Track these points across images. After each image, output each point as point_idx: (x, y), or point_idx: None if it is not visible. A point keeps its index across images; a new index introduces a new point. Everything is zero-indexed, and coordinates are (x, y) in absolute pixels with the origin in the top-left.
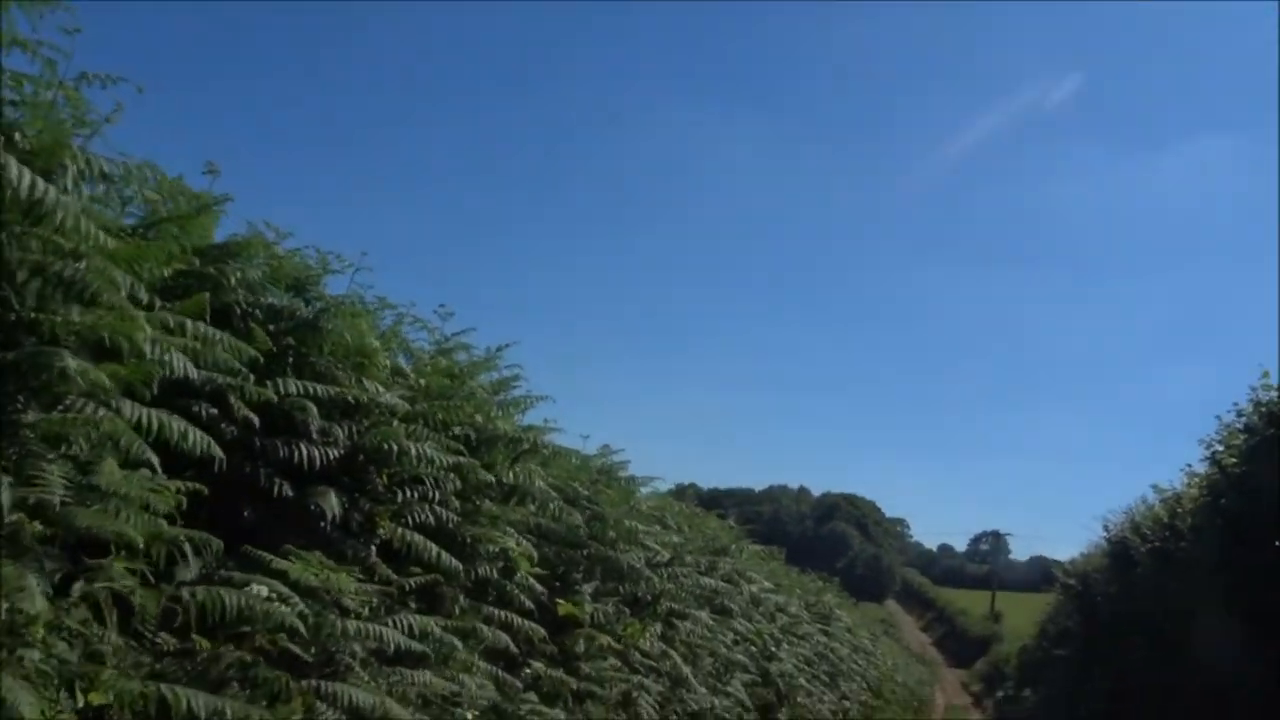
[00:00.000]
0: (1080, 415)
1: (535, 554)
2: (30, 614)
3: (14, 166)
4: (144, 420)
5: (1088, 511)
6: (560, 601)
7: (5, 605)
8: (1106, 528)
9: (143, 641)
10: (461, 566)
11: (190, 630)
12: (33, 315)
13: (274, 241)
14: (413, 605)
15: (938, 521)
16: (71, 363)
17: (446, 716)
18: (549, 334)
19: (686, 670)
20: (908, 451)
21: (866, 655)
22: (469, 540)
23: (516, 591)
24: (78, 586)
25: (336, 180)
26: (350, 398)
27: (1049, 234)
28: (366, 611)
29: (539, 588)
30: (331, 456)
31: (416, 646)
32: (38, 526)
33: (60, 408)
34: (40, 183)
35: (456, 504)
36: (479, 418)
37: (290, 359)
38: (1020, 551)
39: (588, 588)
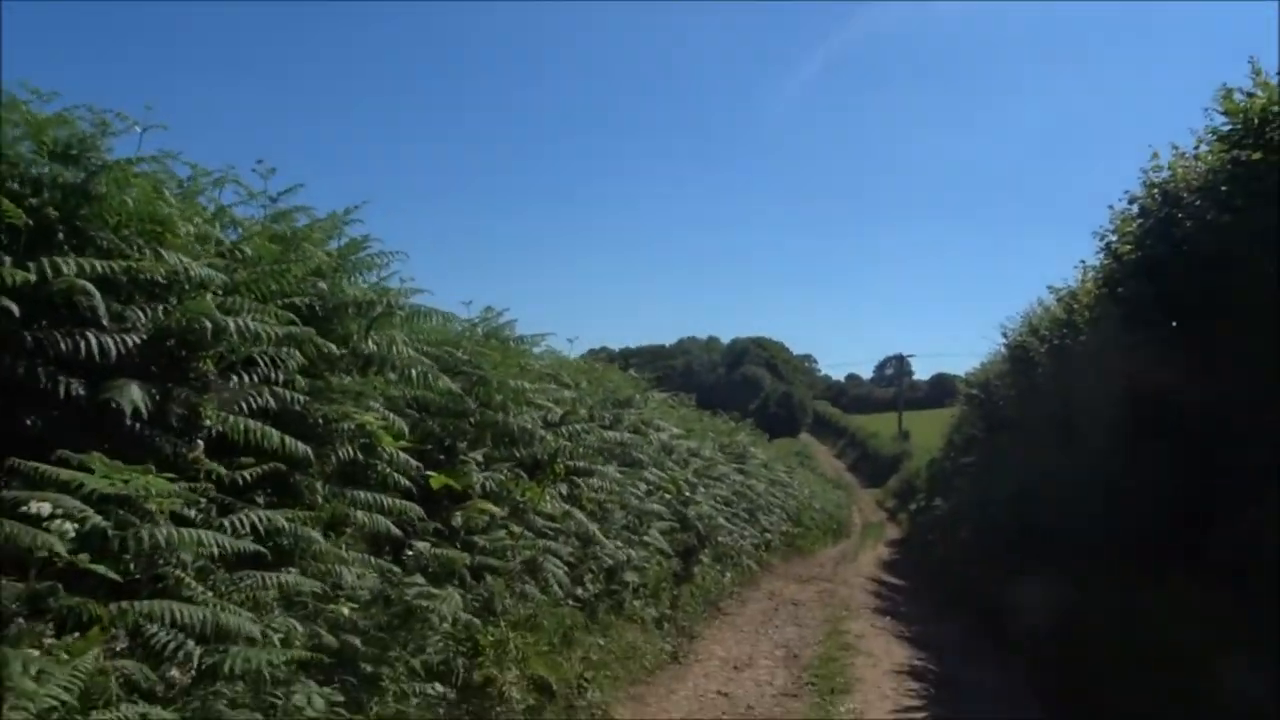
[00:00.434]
0: (972, 232)
1: (404, 427)
2: None
3: None
4: None
5: (988, 323)
6: (432, 475)
7: None
8: (1005, 334)
9: None
10: (312, 451)
11: None
12: None
13: (26, 101)
14: (260, 500)
15: (843, 353)
16: None
17: (321, 614)
18: (447, 210)
19: (593, 528)
20: (809, 288)
21: (784, 488)
22: (321, 420)
23: (390, 470)
24: None
25: None
26: (148, 274)
27: (930, 56)
28: (195, 514)
29: (414, 463)
30: (130, 344)
31: (249, 547)
32: None
33: None
34: None
35: (303, 382)
36: (322, 284)
37: (60, 234)
38: (924, 371)
39: (475, 456)
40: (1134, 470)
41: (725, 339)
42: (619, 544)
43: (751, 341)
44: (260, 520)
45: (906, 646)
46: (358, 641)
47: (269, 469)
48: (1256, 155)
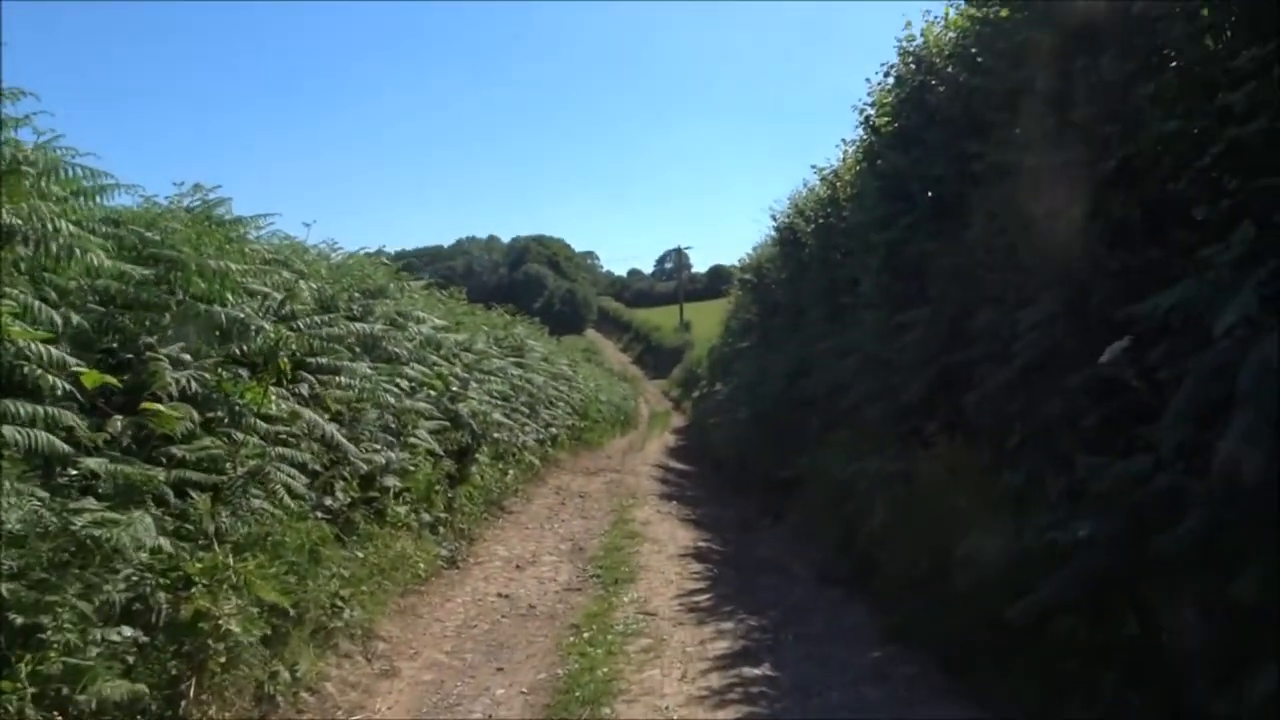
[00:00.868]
0: (743, 124)
1: (54, 318)
2: None
3: None
4: None
5: (761, 212)
6: (84, 372)
7: None
8: (774, 217)
9: None
10: None
11: None
12: None
13: None
14: None
15: (624, 248)
16: None
17: None
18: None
19: (331, 429)
20: (588, 186)
21: (567, 381)
22: None
23: (42, 373)
24: None
25: None
26: None
27: None
28: None
29: (70, 361)
30: None
31: None
32: None
33: None
34: None
35: None
36: None
37: None
38: (702, 264)
39: (168, 352)
40: (897, 340)
41: (506, 238)
42: (376, 447)
43: (533, 240)
44: None
45: (691, 529)
46: (2, 589)
47: None
48: (1004, 12)
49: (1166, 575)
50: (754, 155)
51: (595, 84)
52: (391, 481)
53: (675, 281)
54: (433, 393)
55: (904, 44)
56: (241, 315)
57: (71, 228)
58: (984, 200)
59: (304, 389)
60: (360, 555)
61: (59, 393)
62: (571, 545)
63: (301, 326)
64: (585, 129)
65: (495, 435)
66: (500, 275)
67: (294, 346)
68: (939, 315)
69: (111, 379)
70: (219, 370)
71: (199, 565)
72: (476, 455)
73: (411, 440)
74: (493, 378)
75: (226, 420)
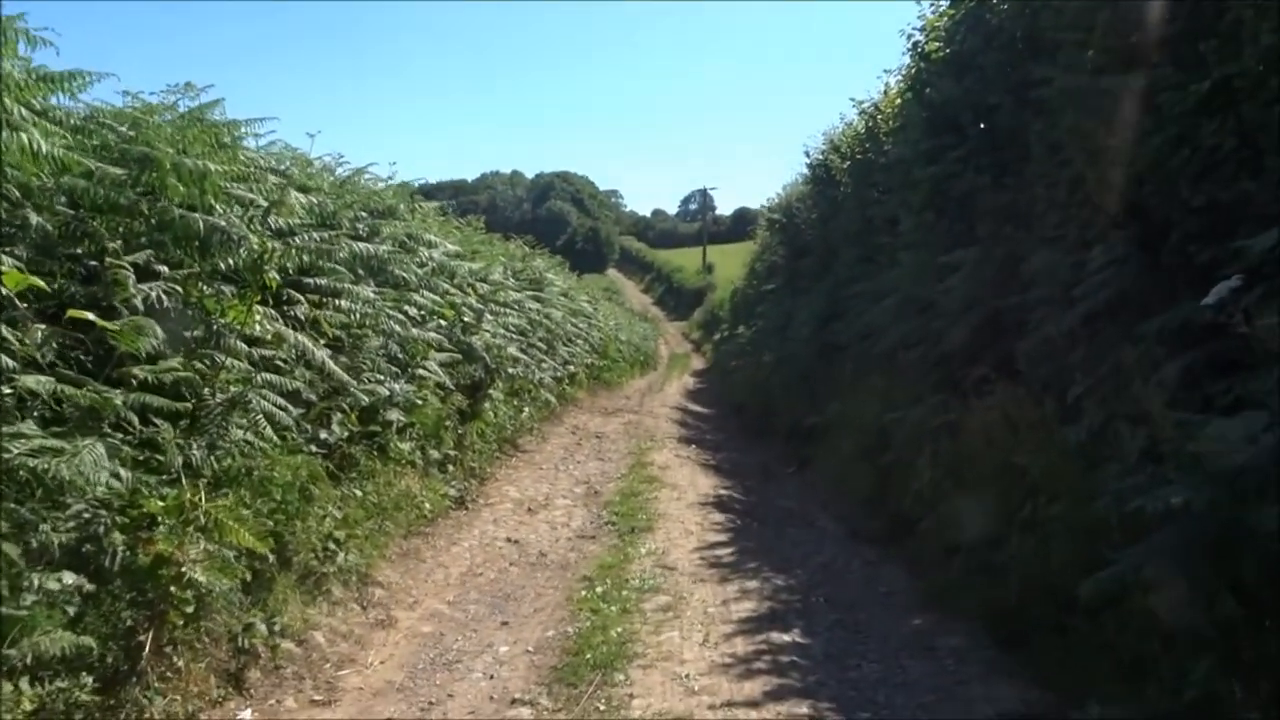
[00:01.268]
0: (765, 63)
1: None
2: None
3: None
4: None
5: (791, 155)
6: (7, 271)
7: None
8: (807, 154)
9: None
10: None
11: None
12: None
13: None
14: None
15: (649, 188)
16: None
17: None
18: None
19: (323, 355)
20: (612, 123)
21: (587, 318)
22: None
23: None
24: None
25: None
26: None
27: None
28: None
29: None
30: None
31: None
32: None
33: None
34: None
35: None
36: None
37: None
38: (726, 207)
39: (135, 259)
40: (940, 282)
41: (530, 174)
42: (380, 378)
43: (557, 176)
44: None
45: (712, 475)
46: None
47: None
48: None
49: (1274, 550)
50: (783, 96)
51: (624, 19)
52: (395, 415)
53: (699, 223)
54: (443, 323)
55: None
56: (223, 223)
57: (23, 110)
58: (1047, 131)
59: (299, 311)
60: (359, 494)
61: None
62: (587, 488)
63: (297, 242)
64: (613, 65)
65: (510, 370)
66: (524, 211)
67: (283, 262)
68: (988, 256)
69: (38, 283)
70: (199, 284)
71: (162, 503)
72: (490, 391)
73: (420, 372)
74: (509, 310)
75: (204, 341)
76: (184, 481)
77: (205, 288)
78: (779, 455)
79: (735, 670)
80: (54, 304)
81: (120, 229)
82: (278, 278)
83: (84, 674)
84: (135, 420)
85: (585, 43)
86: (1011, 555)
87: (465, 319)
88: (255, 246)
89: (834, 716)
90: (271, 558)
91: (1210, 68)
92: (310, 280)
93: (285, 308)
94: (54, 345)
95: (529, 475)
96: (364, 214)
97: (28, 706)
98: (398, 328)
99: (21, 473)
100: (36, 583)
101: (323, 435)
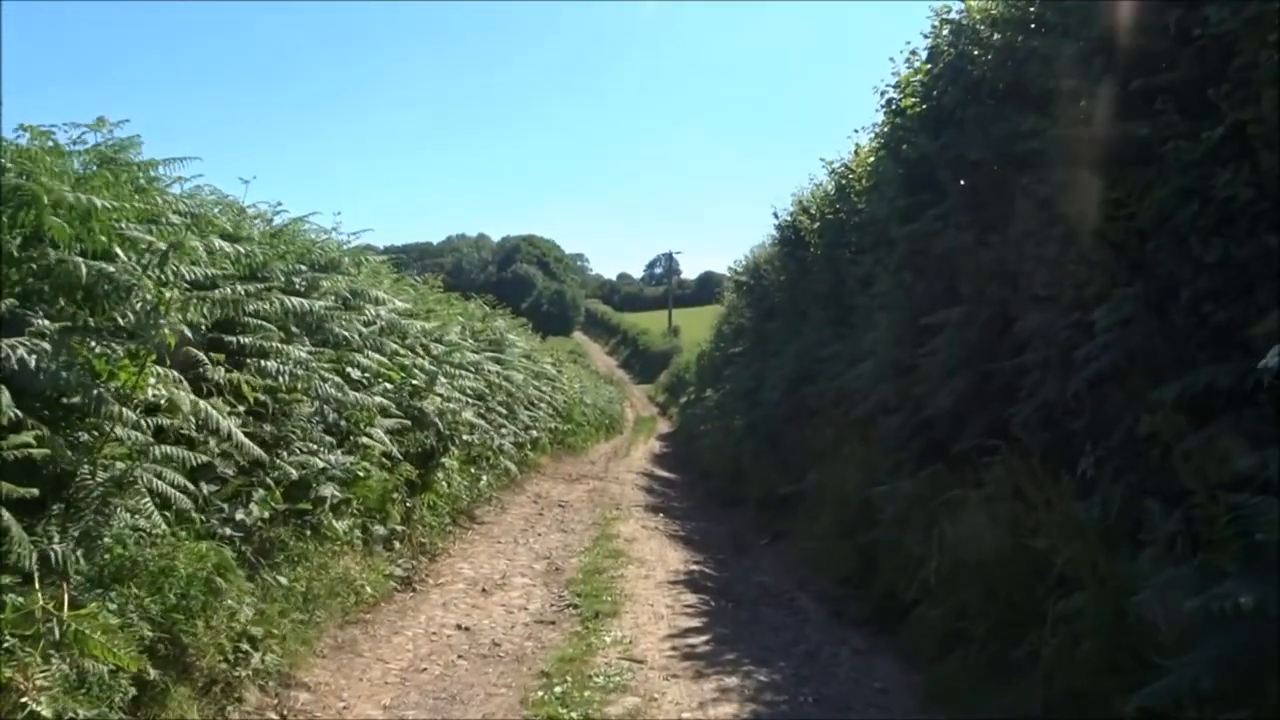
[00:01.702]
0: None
1: None
2: None
3: None
4: None
5: (756, 219)
6: None
7: None
8: (775, 215)
9: None
10: None
11: None
12: None
13: None
14: None
15: (614, 252)
16: None
17: None
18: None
19: (228, 424)
20: (578, 188)
21: (550, 381)
22: None
23: None
24: None
25: None
26: None
27: None
28: None
29: None
30: None
31: None
32: None
33: None
34: None
35: None
36: None
37: None
38: (691, 270)
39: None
40: (920, 344)
41: (495, 237)
42: (312, 447)
43: (523, 239)
44: None
45: (681, 548)
46: None
47: None
48: None
49: None
50: (749, 163)
51: (590, 86)
52: (330, 490)
53: (665, 286)
54: (389, 386)
55: (939, 14)
56: (111, 269)
57: None
58: (1035, 185)
59: (219, 373)
60: (283, 582)
61: None
62: (547, 564)
63: (215, 295)
64: (579, 131)
65: (466, 437)
66: (489, 274)
67: (186, 315)
68: (974, 317)
69: None
70: (84, 341)
71: (10, 613)
72: (443, 460)
73: (364, 441)
74: (465, 373)
75: (82, 408)
76: (38, 585)
77: (94, 345)
78: (751, 525)
79: None
80: None
81: None
82: (186, 332)
83: None
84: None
85: (551, 108)
86: (1033, 652)
87: (415, 382)
88: (149, 297)
89: None
90: (153, 674)
91: (1223, 114)
92: (232, 339)
93: (202, 369)
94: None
95: (485, 550)
96: (301, 266)
97: None
98: (334, 392)
99: None
100: None
101: (239, 516)
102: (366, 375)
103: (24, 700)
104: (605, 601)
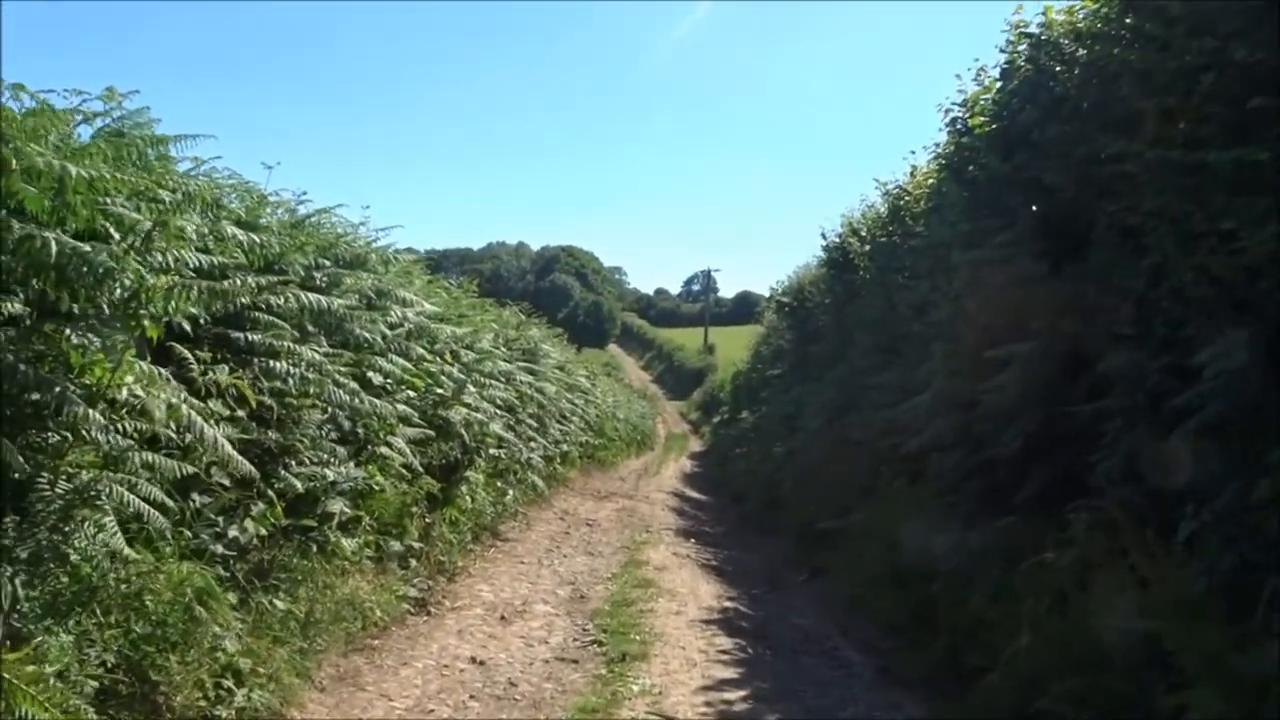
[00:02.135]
0: (775, 156)
1: None
2: None
3: None
4: None
5: (797, 241)
6: None
7: None
8: (824, 235)
9: None
10: None
11: None
12: None
13: None
14: None
15: (652, 266)
16: None
17: None
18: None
19: (214, 433)
20: (619, 200)
21: (583, 394)
22: None
23: None
24: None
25: None
26: None
27: None
28: None
29: None
30: None
31: None
32: None
33: None
34: None
35: None
36: None
37: None
38: (728, 289)
39: None
40: (983, 379)
41: (535, 245)
42: (321, 456)
43: (562, 250)
44: None
45: (714, 580)
46: None
47: None
48: None
49: None
50: (791, 184)
51: (634, 102)
52: (338, 506)
53: (701, 303)
54: (412, 394)
55: (1016, 27)
56: (86, 249)
57: None
58: (1122, 213)
59: (218, 373)
60: (281, 605)
61: None
62: (572, 591)
63: (211, 286)
64: (622, 145)
65: (493, 450)
66: (527, 282)
67: (174, 304)
68: (1046, 352)
69: None
70: (60, 330)
71: None
72: (467, 473)
73: (383, 451)
74: (496, 382)
75: (49, 408)
76: None
77: (72, 336)
78: (787, 558)
79: None
80: None
81: None
82: (183, 324)
83: None
84: None
85: (594, 121)
86: None
87: (440, 390)
88: (128, 282)
89: None
90: None
91: None
92: (240, 335)
93: (189, 367)
94: None
95: (507, 570)
96: (325, 261)
97: None
98: (348, 398)
99: None
100: None
101: (232, 533)
102: (389, 381)
103: None
104: (633, 640)
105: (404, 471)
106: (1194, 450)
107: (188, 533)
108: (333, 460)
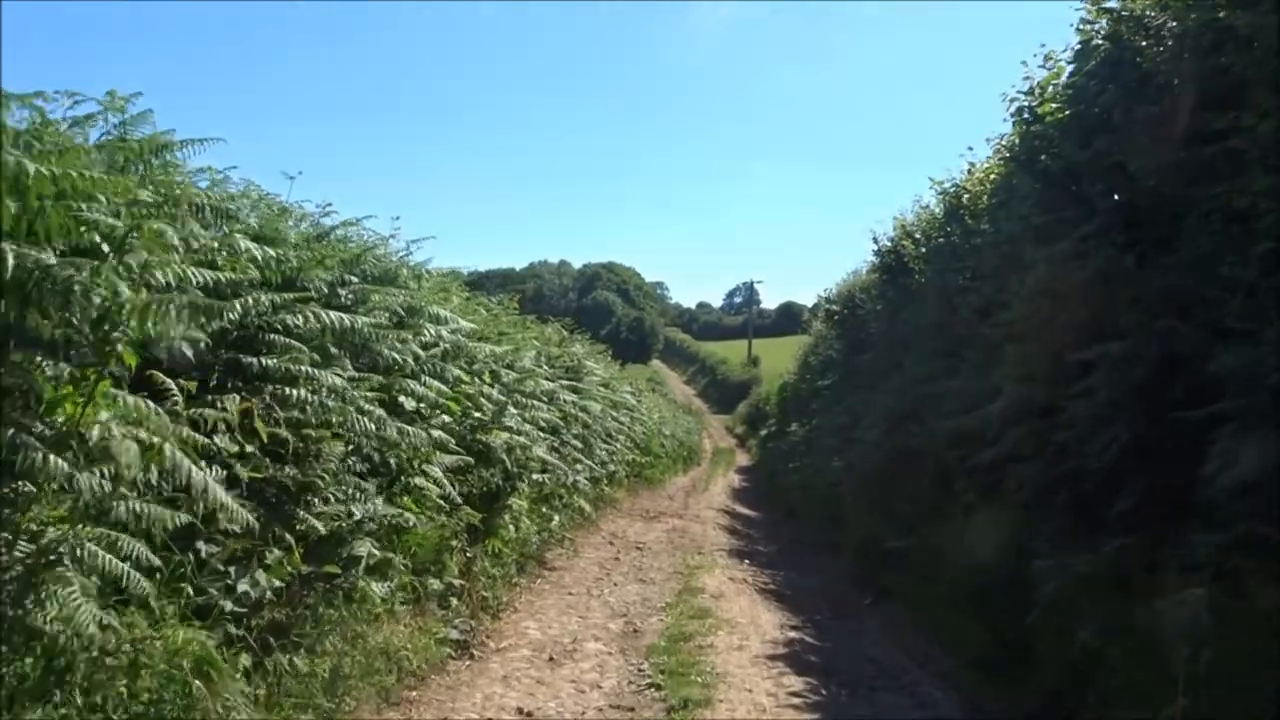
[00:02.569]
0: (813, 167)
1: None
2: None
3: None
4: None
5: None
6: None
7: None
8: (875, 239)
9: None
10: None
11: None
12: None
13: None
14: None
15: (694, 280)
16: None
17: None
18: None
19: (201, 475)
20: (660, 216)
21: (629, 411)
22: None
23: None
24: None
25: None
26: None
27: None
28: None
29: None
30: None
31: None
32: None
33: None
34: None
35: None
36: None
37: None
38: (771, 300)
39: None
40: (1066, 382)
41: (576, 263)
42: (346, 492)
43: (603, 267)
44: None
45: (774, 607)
46: None
47: None
48: None
49: None
50: (831, 195)
51: (673, 116)
52: (365, 548)
53: (744, 315)
54: (447, 419)
55: (1092, 3)
56: (51, 261)
57: None
58: (1228, 195)
59: (225, 402)
60: (302, 666)
61: None
62: (624, 624)
63: (200, 301)
64: (661, 159)
65: (537, 476)
66: (569, 300)
67: (142, 323)
68: (1140, 353)
69: None
70: (30, 357)
71: None
72: (510, 501)
73: (417, 482)
74: (538, 403)
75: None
76: None
77: (45, 364)
78: (848, 579)
79: None
80: None
81: None
82: (186, 348)
83: None
84: None
85: (635, 136)
86: None
87: (479, 414)
88: (98, 299)
89: None
90: None
91: None
92: (252, 360)
93: (212, 397)
94: None
95: (555, 603)
96: (351, 277)
97: None
98: (372, 425)
99: None
100: None
101: (242, 586)
102: (422, 405)
103: None
104: (694, 683)
105: (441, 503)
106: None
107: (190, 589)
108: (359, 496)
